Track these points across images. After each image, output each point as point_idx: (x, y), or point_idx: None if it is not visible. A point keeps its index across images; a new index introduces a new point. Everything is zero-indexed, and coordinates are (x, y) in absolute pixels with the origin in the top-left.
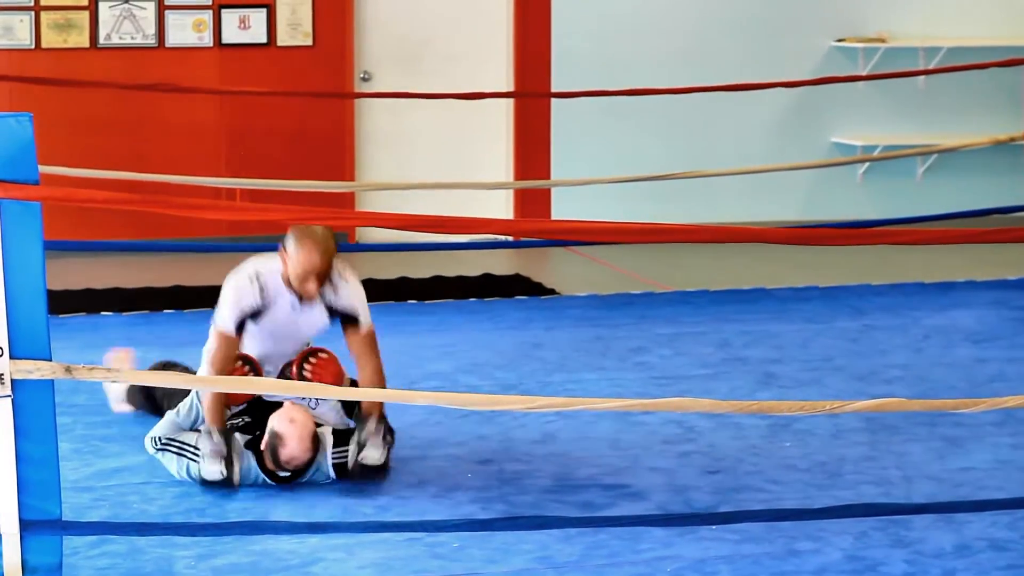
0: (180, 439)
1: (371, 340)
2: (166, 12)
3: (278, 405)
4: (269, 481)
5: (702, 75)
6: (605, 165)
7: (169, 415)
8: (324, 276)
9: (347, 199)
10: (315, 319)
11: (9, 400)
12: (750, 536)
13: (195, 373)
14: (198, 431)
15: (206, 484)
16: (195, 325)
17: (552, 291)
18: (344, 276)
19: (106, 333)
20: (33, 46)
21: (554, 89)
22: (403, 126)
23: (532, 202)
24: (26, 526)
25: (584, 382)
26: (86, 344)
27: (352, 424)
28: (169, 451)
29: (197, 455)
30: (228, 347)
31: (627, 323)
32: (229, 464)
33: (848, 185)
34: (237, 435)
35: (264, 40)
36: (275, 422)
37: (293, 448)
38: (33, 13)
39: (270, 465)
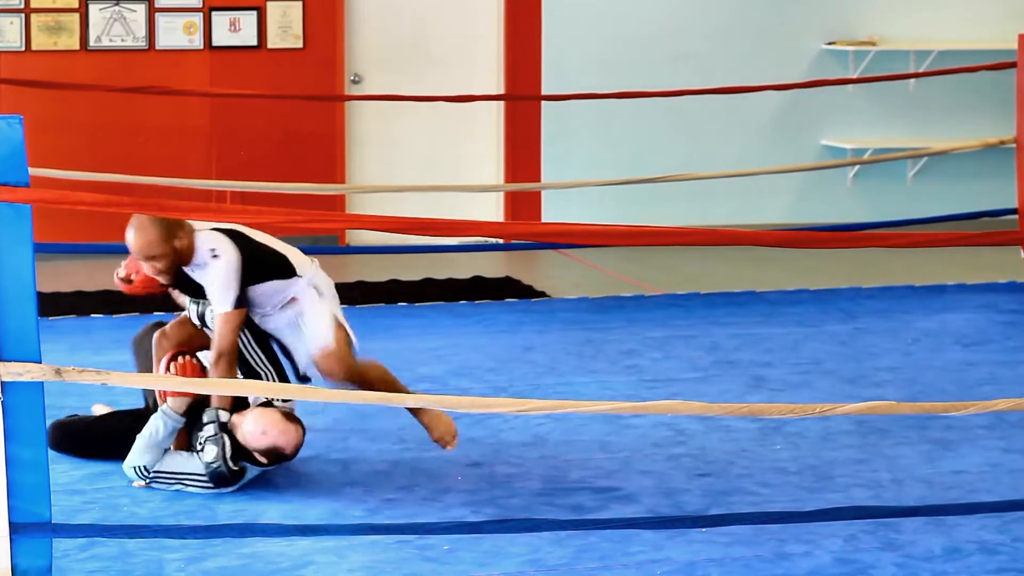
0: (172, 469)
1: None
2: (156, 14)
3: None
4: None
5: (692, 78)
6: (595, 168)
7: (143, 439)
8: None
9: (337, 201)
10: None
11: None
12: (740, 539)
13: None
14: (190, 450)
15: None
16: None
17: (542, 294)
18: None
19: (96, 335)
20: (23, 48)
21: (544, 92)
22: (393, 128)
23: (522, 205)
24: (16, 529)
25: (574, 385)
26: (76, 346)
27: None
28: (161, 482)
29: (197, 482)
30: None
31: (617, 326)
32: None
33: (838, 188)
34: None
35: (254, 43)
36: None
37: (277, 439)
38: (23, 15)
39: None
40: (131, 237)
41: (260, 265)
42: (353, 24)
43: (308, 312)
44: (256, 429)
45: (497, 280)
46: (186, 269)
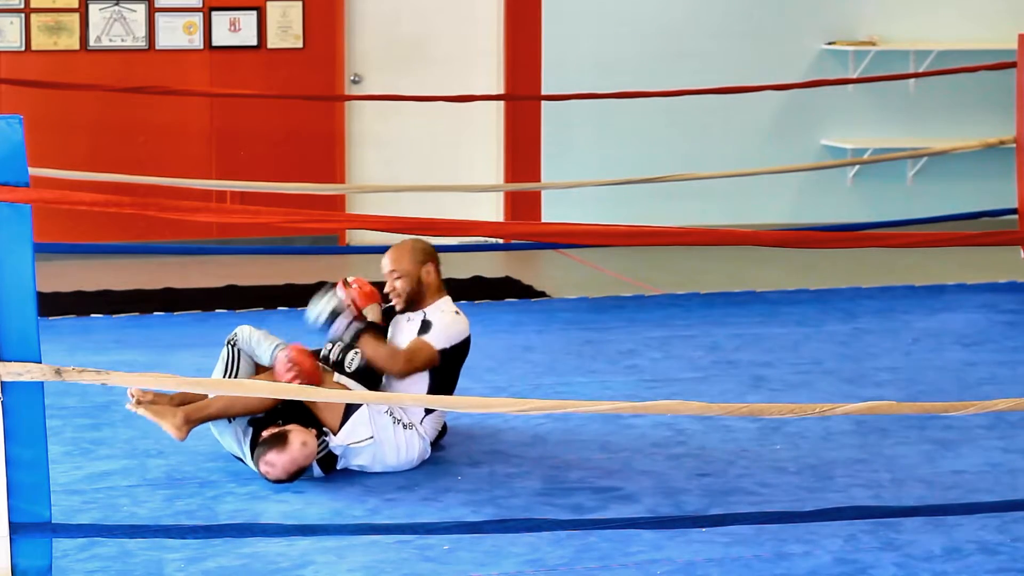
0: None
1: None
2: (156, 14)
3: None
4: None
5: (693, 78)
6: (595, 168)
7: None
8: None
9: (337, 201)
10: None
11: None
12: (740, 539)
13: None
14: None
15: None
16: (185, 327)
17: (542, 294)
18: None
19: (96, 335)
20: (23, 48)
21: (544, 92)
22: (393, 128)
23: (522, 204)
24: (16, 529)
25: (574, 385)
26: (76, 346)
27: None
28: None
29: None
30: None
31: (617, 326)
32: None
33: (838, 188)
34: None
35: (254, 42)
36: (291, 435)
37: (276, 470)
38: (23, 15)
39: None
40: (390, 250)
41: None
42: (353, 24)
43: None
44: (263, 467)
45: (497, 280)
46: (408, 315)
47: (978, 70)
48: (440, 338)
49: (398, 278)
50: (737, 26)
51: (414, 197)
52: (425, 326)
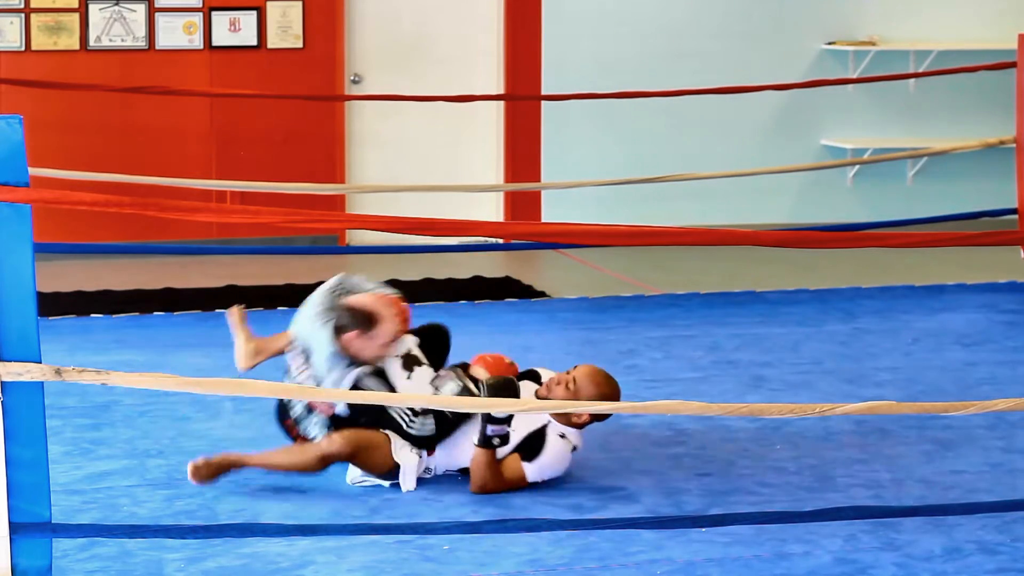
0: None
1: None
2: (156, 14)
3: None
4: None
5: (693, 78)
6: (595, 168)
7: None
8: None
9: (337, 201)
10: None
11: None
12: (740, 539)
13: None
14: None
15: None
16: (185, 328)
17: (542, 294)
18: None
19: (96, 335)
20: (23, 48)
21: (544, 91)
22: (393, 128)
23: (522, 204)
24: (16, 529)
25: None
26: (76, 346)
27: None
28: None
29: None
30: None
31: (617, 326)
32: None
33: (838, 188)
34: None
35: (254, 42)
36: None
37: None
38: (23, 15)
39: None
40: (595, 369)
41: None
42: (353, 24)
43: None
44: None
45: (497, 280)
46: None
47: (978, 70)
48: (539, 471)
49: (568, 388)
50: (737, 26)
51: (414, 197)
52: (535, 446)
